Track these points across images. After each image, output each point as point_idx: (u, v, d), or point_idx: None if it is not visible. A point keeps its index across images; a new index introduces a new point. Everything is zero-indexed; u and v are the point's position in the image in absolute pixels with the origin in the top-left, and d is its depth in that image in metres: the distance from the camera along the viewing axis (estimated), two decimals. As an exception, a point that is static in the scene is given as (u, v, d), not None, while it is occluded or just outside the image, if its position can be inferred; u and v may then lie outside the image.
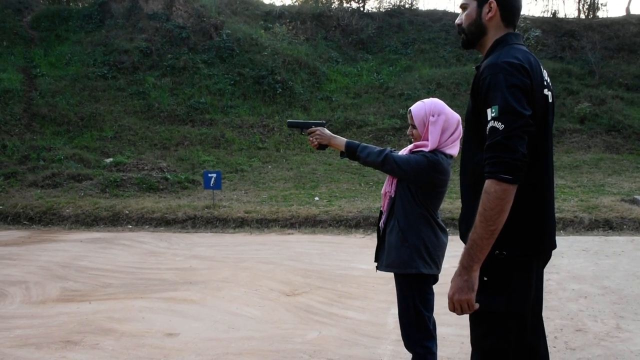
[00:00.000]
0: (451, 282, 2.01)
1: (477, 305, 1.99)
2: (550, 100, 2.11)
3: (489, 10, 2.12)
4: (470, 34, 2.20)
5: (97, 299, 5.49)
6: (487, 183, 1.89)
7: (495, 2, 2.11)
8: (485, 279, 2.00)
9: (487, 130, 1.91)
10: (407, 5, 26.22)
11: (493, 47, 2.12)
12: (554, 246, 2.19)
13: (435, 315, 3.09)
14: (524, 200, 1.97)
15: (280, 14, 23.33)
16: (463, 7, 2.22)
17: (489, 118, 1.91)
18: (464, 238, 2.10)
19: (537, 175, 2.03)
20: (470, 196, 2.11)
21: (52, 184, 11.98)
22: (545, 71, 2.14)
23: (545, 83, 2.06)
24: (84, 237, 8.76)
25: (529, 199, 2.01)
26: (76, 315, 4.99)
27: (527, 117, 1.88)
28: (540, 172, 2.05)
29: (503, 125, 1.86)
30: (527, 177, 1.94)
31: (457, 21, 2.27)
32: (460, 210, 2.29)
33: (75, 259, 7.23)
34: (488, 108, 1.92)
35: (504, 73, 1.92)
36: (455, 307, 2.00)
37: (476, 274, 1.95)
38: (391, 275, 3.07)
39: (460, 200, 2.31)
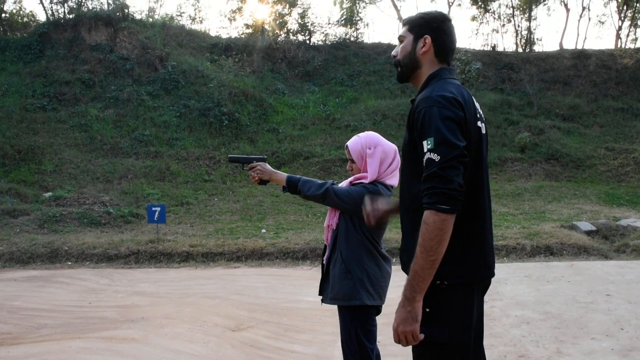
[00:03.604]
0: (395, 313, 2.03)
1: (422, 336, 2.00)
2: (484, 132, 2.18)
3: (423, 45, 2.20)
4: (405, 67, 2.27)
5: (30, 342, 5.23)
6: (426, 214, 1.92)
7: (430, 38, 2.19)
8: (428, 309, 2.02)
9: (424, 162, 1.96)
10: (352, 39, 26.82)
11: (427, 81, 2.19)
12: (492, 274, 2.23)
13: (381, 346, 3.09)
14: (461, 230, 2.01)
15: (226, 46, 23.42)
16: (400, 39, 2.29)
17: (425, 150, 1.95)
18: (405, 268, 2.12)
19: (472, 205, 2.07)
20: (409, 227, 2.14)
21: (-14, 221, 11.48)
22: (477, 104, 2.21)
23: (478, 115, 2.13)
24: (19, 276, 8.38)
25: (465, 229, 2.05)
26: None
27: (462, 148, 1.93)
28: (476, 202, 2.10)
29: (439, 157, 1.91)
30: (464, 207, 1.99)
31: (393, 53, 2.34)
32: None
33: (7, 300, 6.89)
34: (424, 140, 1.97)
35: (438, 106, 1.98)
36: (400, 338, 2.01)
37: (419, 305, 1.97)
38: (337, 308, 3.07)
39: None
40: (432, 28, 2.20)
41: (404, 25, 2.30)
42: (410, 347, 2.14)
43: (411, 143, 2.11)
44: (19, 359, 4.75)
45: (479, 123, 2.12)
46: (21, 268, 9.13)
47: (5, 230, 10.89)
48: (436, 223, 1.90)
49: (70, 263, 9.31)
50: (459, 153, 1.92)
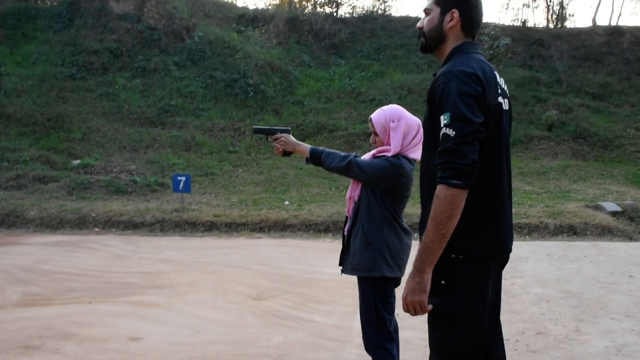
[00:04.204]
0: (405, 283, 2.06)
1: (429, 307, 2.04)
2: (506, 108, 2.17)
3: (451, 19, 2.18)
4: (430, 40, 2.26)
5: (60, 303, 5.41)
6: (438, 188, 1.94)
7: (457, 12, 2.17)
8: (443, 282, 2.05)
9: (440, 136, 1.97)
10: (380, 11, 26.48)
11: (450, 54, 2.18)
12: (509, 250, 2.24)
13: (399, 318, 3.13)
14: (477, 205, 2.03)
15: (253, 17, 23.31)
16: (426, 11, 2.27)
17: (442, 125, 1.96)
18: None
19: (490, 180, 2.08)
20: (427, 200, 2.15)
21: (17, 186, 11.75)
22: (501, 79, 2.20)
23: (499, 91, 2.12)
24: (49, 240, 8.62)
25: (482, 204, 2.06)
26: (37, 319, 4.91)
27: (478, 124, 1.93)
28: (493, 177, 2.10)
29: (454, 132, 1.92)
30: (481, 182, 2.00)
31: (418, 24, 2.31)
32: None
33: (38, 263, 7.10)
34: (441, 115, 1.98)
35: (456, 81, 1.98)
36: (409, 308, 2.05)
37: (428, 276, 2.00)
38: (356, 279, 3.11)
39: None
40: (460, 1, 2.17)
41: None
42: (426, 320, 2.18)
43: (430, 117, 2.11)
44: (49, 318, 4.93)
45: (499, 99, 2.10)
46: (51, 233, 9.37)
47: (36, 196, 11.15)
48: (447, 197, 1.92)
49: (97, 229, 9.52)
50: (475, 129, 1.92)
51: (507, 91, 2.23)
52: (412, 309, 2.04)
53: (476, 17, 2.21)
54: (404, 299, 2.05)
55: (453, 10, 2.17)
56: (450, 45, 2.20)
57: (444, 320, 2.10)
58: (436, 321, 2.13)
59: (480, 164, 1.95)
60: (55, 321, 4.85)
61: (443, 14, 2.20)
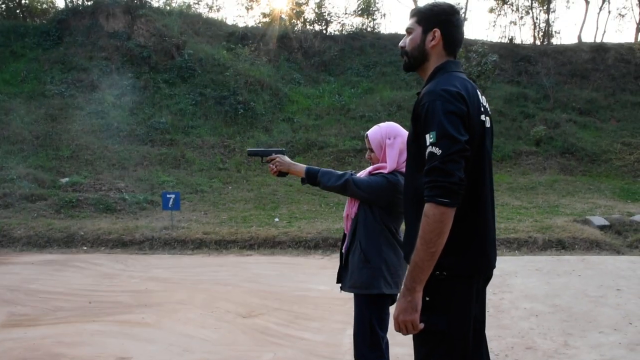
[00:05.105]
0: (396, 303, 2.07)
1: (421, 325, 2.05)
2: (488, 125, 2.20)
3: (433, 38, 2.22)
4: (413, 58, 2.29)
5: (46, 324, 5.36)
6: (427, 207, 1.96)
7: (439, 31, 2.21)
8: (428, 298, 2.06)
9: (426, 155, 1.99)
10: (369, 29, 26.68)
11: (434, 73, 2.21)
12: (493, 266, 2.25)
13: (389, 334, 3.13)
14: (462, 222, 2.04)
15: (243, 35, 23.41)
16: (408, 31, 2.30)
17: (427, 143, 1.99)
18: (407, 259, 2.16)
19: (474, 198, 2.10)
20: (413, 218, 2.17)
21: (3, 204, 11.64)
22: (483, 97, 2.24)
23: (482, 109, 2.15)
24: (36, 260, 8.54)
25: (467, 221, 2.08)
26: (23, 340, 4.86)
27: (464, 142, 1.96)
28: (478, 195, 2.13)
29: (440, 151, 1.94)
30: (465, 200, 2.02)
31: (400, 43, 2.35)
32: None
33: (25, 282, 7.04)
34: (427, 134, 2.00)
35: (441, 100, 2.01)
36: (401, 327, 2.05)
37: (419, 295, 2.01)
38: (349, 295, 3.12)
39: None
40: (441, 21, 2.21)
41: (412, 16, 2.30)
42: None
43: (416, 136, 2.13)
44: (36, 339, 4.88)
45: (482, 117, 2.13)
46: (38, 252, 9.30)
47: (23, 214, 11.07)
48: (436, 216, 1.93)
49: (85, 248, 9.46)
50: (461, 147, 1.95)
51: (488, 109, 2.26)
52: (404, 328, 2.04)
53: (457, 36, 2.25)
54: (396, 319, 2.05)
55: (435, 29, 2.21)
56: (433, 63, 2.24)
57: (430, 337, 2.10)
58: (423, 338, 2.13)
59: (466, 181, 1.98)
60: (42, 342, 4.80)
61: (425, 33, 2.24)
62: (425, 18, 2.25)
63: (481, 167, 2.13)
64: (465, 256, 2.09)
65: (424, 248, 1.96)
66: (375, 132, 3.06)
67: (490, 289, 6.06)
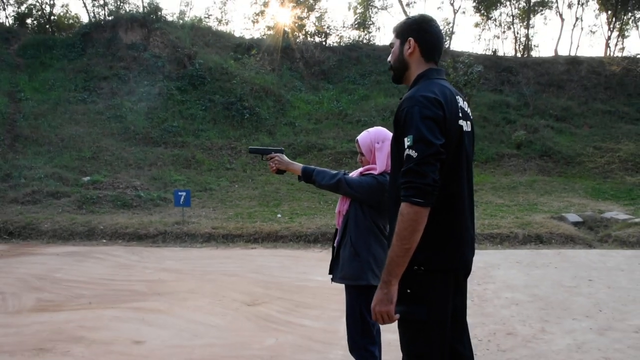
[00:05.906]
0: (375, 295, 2.05)
1: (397, 316, 2.03)
2: (468, 129, 2.17)
3: (409, 47, 2.20)
4: (396, 70, 2.28)
5: (69, 309, 5.35)
6: (402, 206, 1.94)
7: (413, 40, 2.19)
8: (409, 291, 2.05)
9: (404, 157, 1.96)
10: (365, 41, 26.66)
11: (416, 80, 2.19)
12: (470, 262, 2.23)
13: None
14: (438, 221, 2.01)
15: (249, 46, 23.37)
16: (391, 46, 2.31)
17: (405, 146, 1.96)
18: None
19: (450, 198, 2.07)
20: (394, 216, 2.16)
21: (32, 201, 11.65)
22: (465, 103, 2.21)
23: (460, 114, 2.11)
24: (60, 251, 8.53)
25: (442, 220, 2.05)
26: (49, 324, 4.85)
27: (439, 146, 1.93)
28: (454, 195, 2.09)
29: (416, 153, 1.92)
30: (441, 200, 1.99)
31: (388, 59, 2.35)
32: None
33: (51, 271, 7.03)
34: (405, 137, 1.97)
35: (419, 105, 1.98)
36: (377, 317, 2.04)
37: (395, 288, 1.99)
38: (344, 286, 3.10)
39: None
40: (414, 29, 2.20)
41: (392, 33, 2.30)
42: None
43: (396, 139, 2.11)
44: (60, 323, 4.88)
45: (460, 121, 2.10)
46: (62, 244, 9.28)
47: (49, 210, 11.06)
48: (410, 215, 1.91)
49: (104, 241, 9.45)
50: (436, 150, 1.92)
51: (469, 114, 2.23)
52: (380, 318, 2.03)
53: (433, 42, 2.21)
54: (373, 309, 2.03)
55: (409, 38, 2.19)
56: (414, 71, 2.22)
57: (411, 326, 2.09)
58: (405, 327, 2.12)
59: (441, 182, 1.95)
60: (65, 326, 4.79)
61: (402, 44, 2.23)
62: (401, 31, 2.25)
63: (458, 169, 2.09)
64: (440, 253, 2.07)
65: (399, 244, 1.94)
66: (364, 137, 3.03)
67: (474, 280, 6.09)
